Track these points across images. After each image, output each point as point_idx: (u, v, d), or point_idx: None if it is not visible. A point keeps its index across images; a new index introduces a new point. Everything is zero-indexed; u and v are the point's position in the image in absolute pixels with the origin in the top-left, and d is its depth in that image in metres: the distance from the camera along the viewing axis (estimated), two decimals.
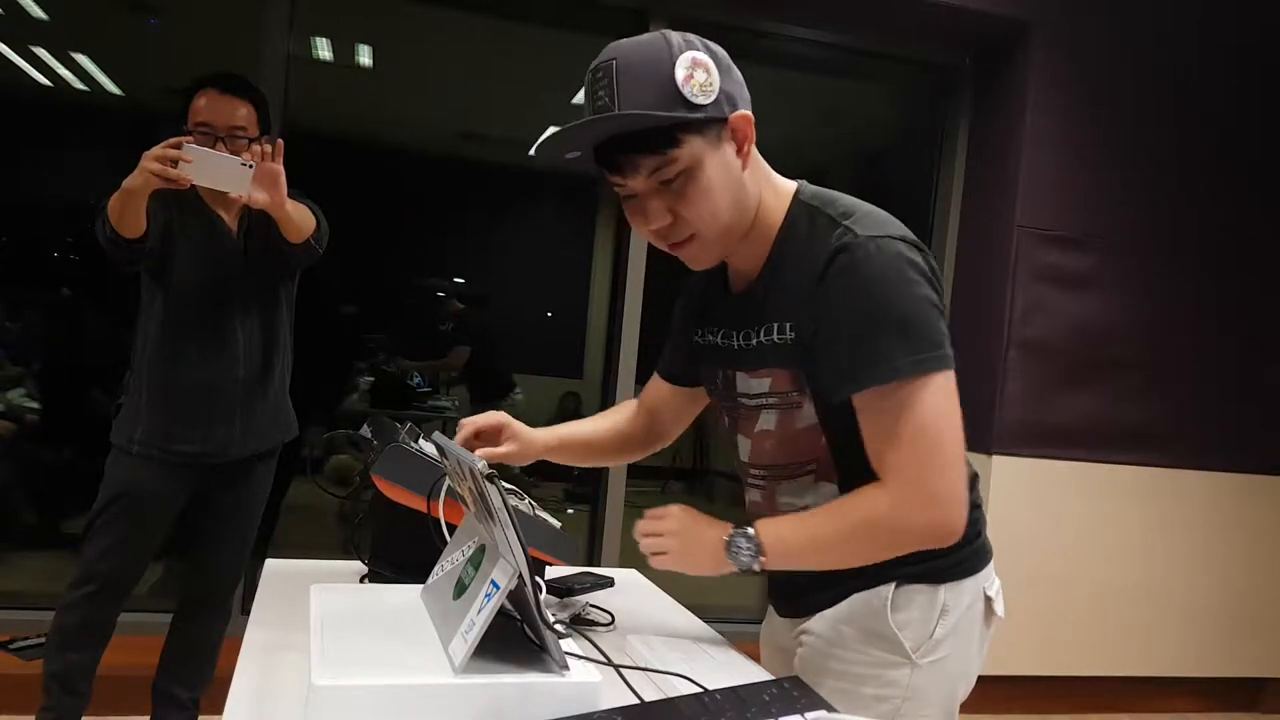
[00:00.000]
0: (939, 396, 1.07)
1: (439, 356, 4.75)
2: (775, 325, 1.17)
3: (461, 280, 5.11)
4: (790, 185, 1.20)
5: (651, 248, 3.44)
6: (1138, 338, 3.50)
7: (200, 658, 2.33)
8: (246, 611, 1.36)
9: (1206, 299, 3.57)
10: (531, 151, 1.31)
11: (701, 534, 1.19)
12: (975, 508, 1.23)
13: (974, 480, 1.23)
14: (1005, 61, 3.53)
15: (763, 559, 1.14)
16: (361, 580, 1.44)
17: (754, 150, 1.15)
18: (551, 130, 1.12)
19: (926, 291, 1.08)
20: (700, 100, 1.05)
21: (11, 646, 2.83)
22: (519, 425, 1.38)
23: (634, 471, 3.54)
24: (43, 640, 2.25)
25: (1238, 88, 3.57)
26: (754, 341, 1.20)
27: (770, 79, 3.94)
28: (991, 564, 1.27)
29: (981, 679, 1.28)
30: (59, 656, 2.17)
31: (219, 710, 0.98)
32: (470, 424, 1.36)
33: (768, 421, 1.22)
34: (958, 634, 1.20)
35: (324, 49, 3.86)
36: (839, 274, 1.08)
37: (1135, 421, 3.49)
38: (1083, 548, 3.44)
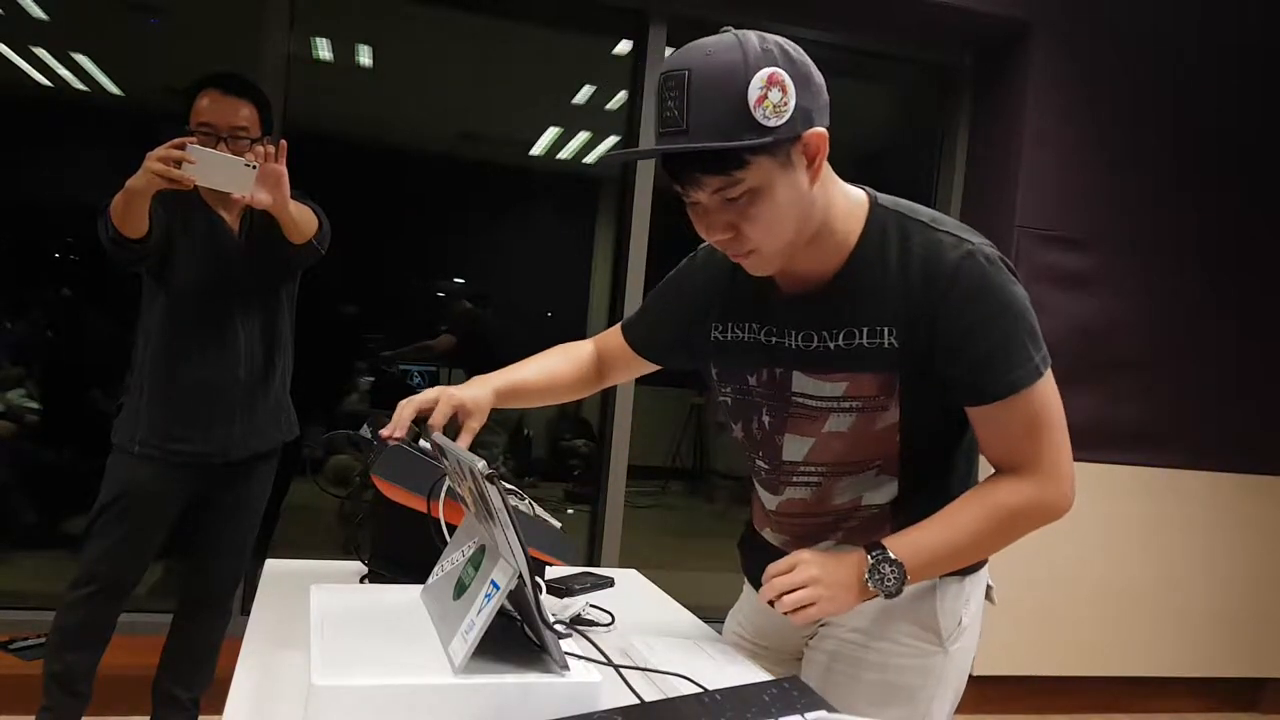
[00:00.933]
0: (1054, 386, 1.17)
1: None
2: (865, 330, 1.16)
3: (461, 280, 5.11)
4: (860, 192, 1.19)
5: (651, 248, 3.46)
6: (1138, 338, 3.50)
7: (200, 658, 2.33)
8: (246, 611, 1.36)
9: (1206, 299, 3.57)
10: (591, 159, 1.31)
11: (839, 573, 1.14)
12: None
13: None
14: (1005, 61, 3.53)
15: (906, 571, 1.13)
16: (361, 580, 1.44)
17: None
18: (619, 150, 1.14)
19: (1024, 290, 1.15)
20: (772, 122, 1.02)
21: (11, 646, 2.83)
22: (466, 399, 1.31)
23: (634, 472, 3.54)
24: (43, 640, 2.25)
25: (1238, 88, 3.57)
26: (829, 345, 1.18)
27: None
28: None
29: (982, 679, 1.31)
30: (59, 656, 2.17)
31: (219, 710, 0.98)
32: (434, 424, 1.29)
33: (840, 423, 1.20)
34: (974, 621, 1.28)
35: (324, 49, 3.86)
36: (971, 284, 1.11)
37: (1135, 421, 3.49)
38: (1083, 548, 3.44)
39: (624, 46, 3.63)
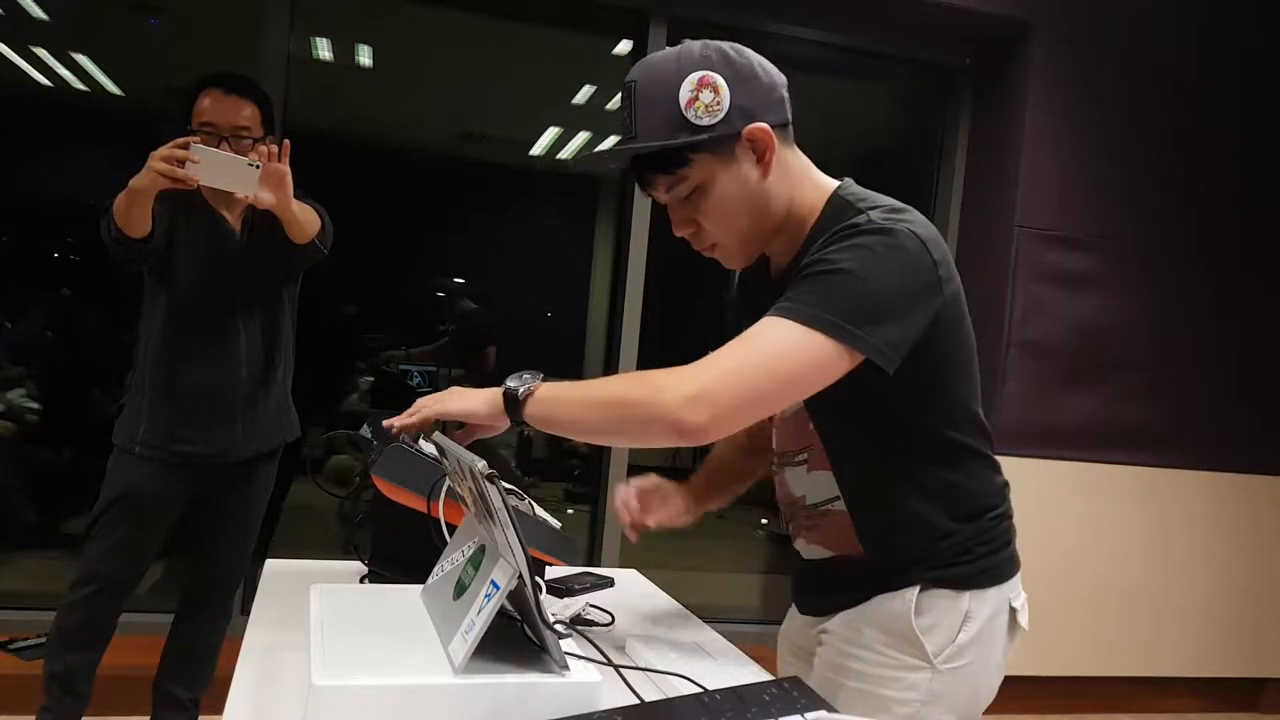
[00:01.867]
0: (801, 349, 1.04)
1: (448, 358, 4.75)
2: None
3: (461, 280, 5.11)
4: (832, 183, 1.21)
5: (651, 248, 3.46)
6: (1138, 338, 3.50)
7: (200, 658, 2.33)
8: (246, 611, 1.36)
9: (1206, 299, 3.57)
10: (567, 156, 1.39)
11: (472, 390, 1.21)
12: (1006, 518, 1.26)
13: (1004, 488, 1.26)
14: (1005, 61, 3.53)
15: (533, 386, 1.15)
16: (361, 580, 1.44)
17: (791, 152, 1.17)
18: (585, 151, 1.24)
19: (898, 276, 1.06)
20: (704, 121, 1.10)
21: (11, 646, 2.83)
22: (671, 484, 1.38)
23: (634, 472, 3.52)
24: (43, 640, 2.26)
25: (1238, 88, 3.57)
26: None
27: None
28: (1019, 576, 1.26)
29: None
30: (59, 656, 2.17)
31: (219, 710, 0.98)
32: (641, 488, 1.37)
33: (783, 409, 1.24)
34: (981, 642, 1.20)
35: (324, 49, 3.85)
36: (843, 235, 1.08)
37: (1135, 421, 3.49)
38: (1083, 548, 3.44)
39: (624, 46, 3.63)
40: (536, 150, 4.75)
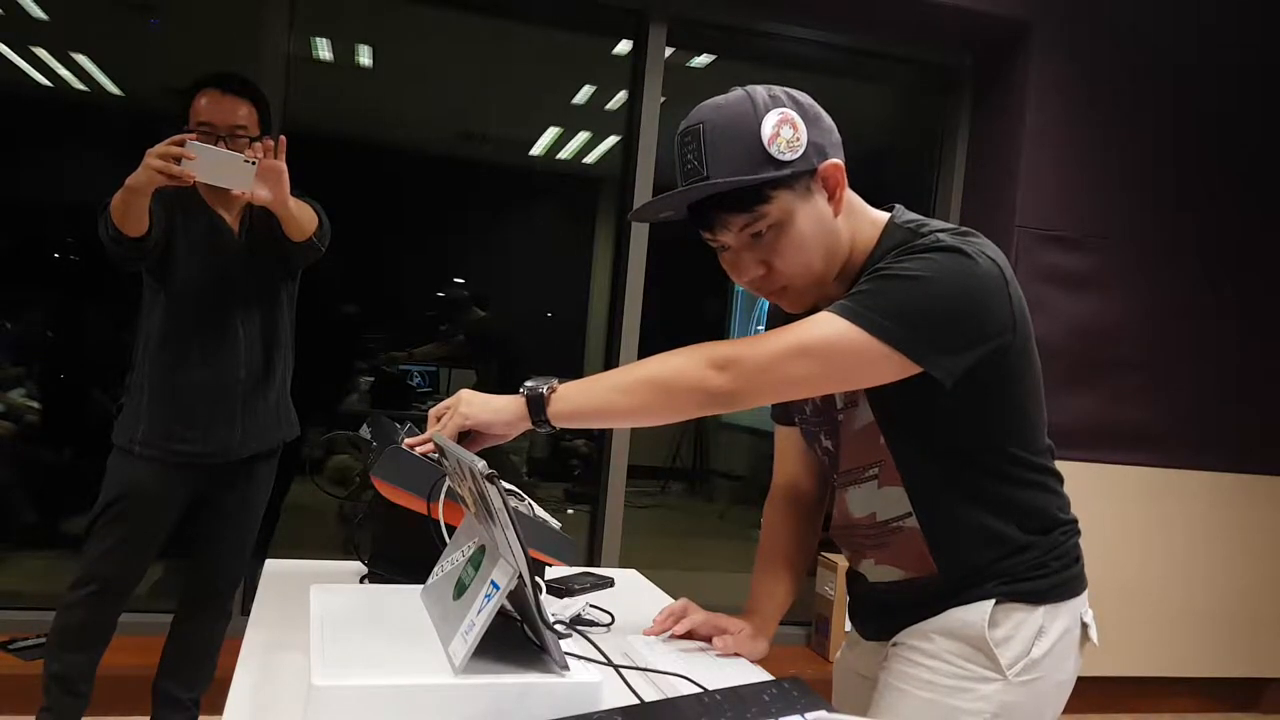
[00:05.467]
0: (840, 340, 1.07)
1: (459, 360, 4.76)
2: None
3: (461, 280, 5.11)
4: (884, 215, 1.21)
5: (651, 249, 3.45)
6: (1138, 338, 3.50)
7: (200, 658, 2.33)
8: (246, 611, 1.36)
9: (1206, 299, 3.57)
10: (629, 216, 1.34)
11: (492, 397, 1.19)
12: (1076, 532, 1.27)
13: (1068, 503, 1.27)
14: (1005, 61, 3.53)
15: (553, 385, 1.15)
16: (361, 580, 1.44)
17: (848, 193, 1.17)
18: (646, 203, 1.17)
19: (967, 290, 1.08)
20: (787, 157, 1.09)
21: (11, 646, 2.83)
22: (738, 622, 1.34)
23: (634, 472, 3.54)
24: (43, 640, 2.25)
25: (1238, 88, 3.57)
26: None
27: (770, 79, 3.92)
28: (1087, 592, 1.27)
29: None
30: (59, 656, 2.17)
31: (219, 710, 0.98)
32: (722, 637, 1.32)
33: (846, 424, 1.23)
34: (1053, 656, 1.19)
35: (324, 49, 3.85)
36: (901, 253, 1.11)
37: (1135, 421, 3.49)
38: (1083, 548, 3.44)
39: (624, 46, 3.63)
40: (536, 150, 4.75)
